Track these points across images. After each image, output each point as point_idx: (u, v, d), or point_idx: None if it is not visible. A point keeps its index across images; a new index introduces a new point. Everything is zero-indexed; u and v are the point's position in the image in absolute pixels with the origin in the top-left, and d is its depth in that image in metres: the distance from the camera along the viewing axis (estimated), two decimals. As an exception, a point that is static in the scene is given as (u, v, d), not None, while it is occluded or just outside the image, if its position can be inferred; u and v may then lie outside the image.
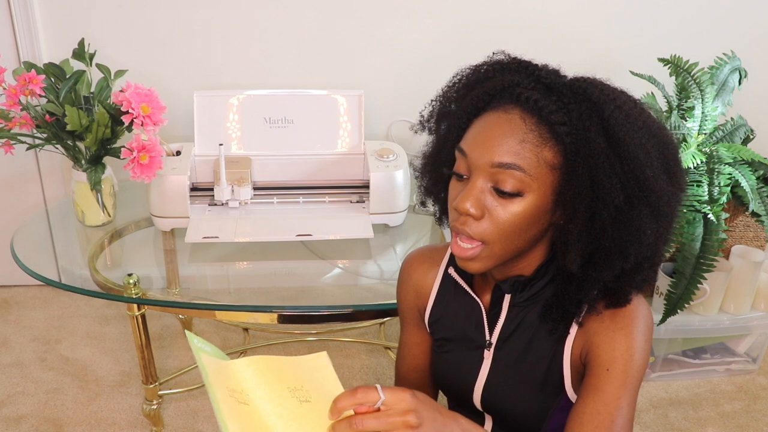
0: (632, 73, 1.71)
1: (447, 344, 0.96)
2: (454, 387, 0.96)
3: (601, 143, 0.73)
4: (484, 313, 0.91)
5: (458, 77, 0.86)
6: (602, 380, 0.79)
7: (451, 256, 0.97)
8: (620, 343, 0.79)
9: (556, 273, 0.84)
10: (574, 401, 0.86)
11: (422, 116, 0.90)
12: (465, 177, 0.78)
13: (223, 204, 1.61)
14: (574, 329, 0.84)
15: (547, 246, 0.84)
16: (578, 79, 0.78)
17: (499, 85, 0.78)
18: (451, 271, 0.93)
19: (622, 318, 0.81)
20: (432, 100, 0.89)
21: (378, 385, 0.66)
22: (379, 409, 0.65)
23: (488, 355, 0.91)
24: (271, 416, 0.70)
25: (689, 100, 1.59)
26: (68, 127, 1.45)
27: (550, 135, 0.74)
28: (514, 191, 0.75)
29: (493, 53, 0.85)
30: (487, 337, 0.91)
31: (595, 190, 0.74)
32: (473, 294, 0.92)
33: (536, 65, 0.81)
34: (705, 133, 1.58)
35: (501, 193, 0.75)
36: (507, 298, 0.88)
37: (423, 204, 0.96)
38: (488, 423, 0.96)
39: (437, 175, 0.88)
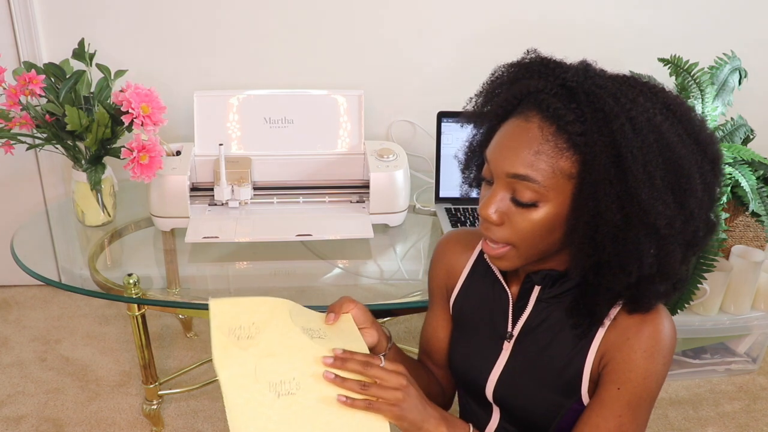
0: (632, 73, 1.71)
1: (467, 330, 0.95)
2: (467, 375, 0.95)
3: (605, 158, 0.71)
4: (510, 303, 0.90)
5: (494, 76, 0.85)
6: (611, 397, 0.80)
7: None
8: (638, 366, 0.79)
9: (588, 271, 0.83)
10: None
11: (466, 110, 0.88)
12: (491, 181, 0.79)
13: (223, 204, 1.61)
14: (600, 333, 0.83)
15: None
16: (601, 83, 0.75)
17: (524, 90, 0.77)
18: (486, 255, 0.92)
19: (647, 339, 0.79)
20: (475, 95, 0.87)
21: (382, 356, 0.81)
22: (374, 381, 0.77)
23: (507, 347, 0.90)
24: (276, 346, 0.78)
25: (689, 100, 1.59)
26: (68, 127, 1.45)
27: (567, 144, 0.73)
28: (530, 202, 0.75)
29: (527, 51, 0.83)
30: (509, 329, 0.90)
31: (595, 205, 0.73)
32: (504, 282, 0.91)
33: (565, 65, 0.79)
34: (705, 133, 1.58)
35: (518, 203, 0.76)
36: (535, 291, 0.87)
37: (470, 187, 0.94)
38: (496, 414, 0.95)
39: (479, 168, 0.88)
